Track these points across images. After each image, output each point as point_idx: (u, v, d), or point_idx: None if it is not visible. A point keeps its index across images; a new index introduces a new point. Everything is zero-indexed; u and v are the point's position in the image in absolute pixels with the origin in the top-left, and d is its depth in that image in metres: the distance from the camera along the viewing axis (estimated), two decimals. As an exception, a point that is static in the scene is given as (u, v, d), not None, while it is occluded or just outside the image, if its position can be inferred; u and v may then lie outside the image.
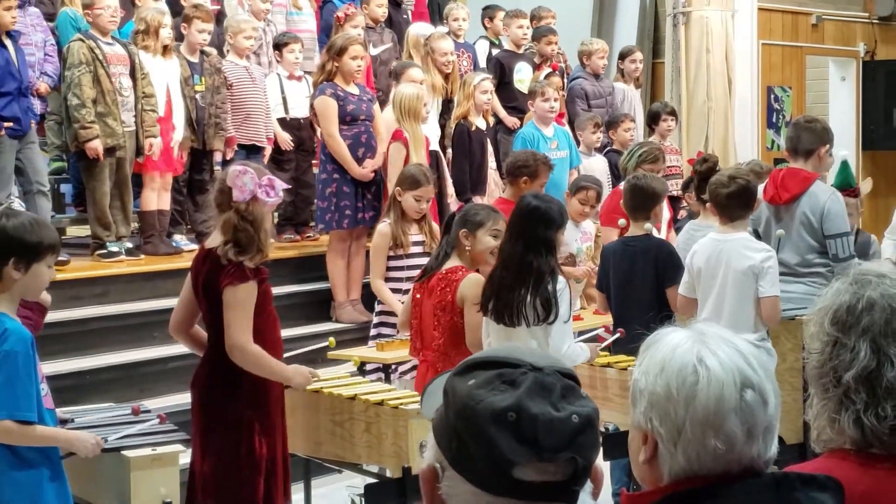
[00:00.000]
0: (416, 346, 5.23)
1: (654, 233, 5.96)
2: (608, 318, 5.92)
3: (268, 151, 8.50)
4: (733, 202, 5.25)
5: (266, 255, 4.34)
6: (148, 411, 4.52)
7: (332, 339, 4.98)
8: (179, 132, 7.92)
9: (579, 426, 1.42)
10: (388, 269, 6.26)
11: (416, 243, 6.38)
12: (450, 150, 8.53)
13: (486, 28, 10.43)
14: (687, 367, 1.64)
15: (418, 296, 5.14)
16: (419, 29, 9.22)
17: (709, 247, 5.31)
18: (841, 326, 1.97)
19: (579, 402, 1.44)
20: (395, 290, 6.36)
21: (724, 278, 5.22)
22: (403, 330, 5.54)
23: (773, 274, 5.16)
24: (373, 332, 6.33)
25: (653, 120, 9.16)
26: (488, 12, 10.42)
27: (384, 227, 6.29)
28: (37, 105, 7.98)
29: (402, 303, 5.54)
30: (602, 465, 1.46)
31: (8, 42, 7.22)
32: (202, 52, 8.21)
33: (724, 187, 5.25)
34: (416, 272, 6.19)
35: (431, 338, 5.06)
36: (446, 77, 8.82)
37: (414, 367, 5.87)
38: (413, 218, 6.32)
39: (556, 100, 8.57)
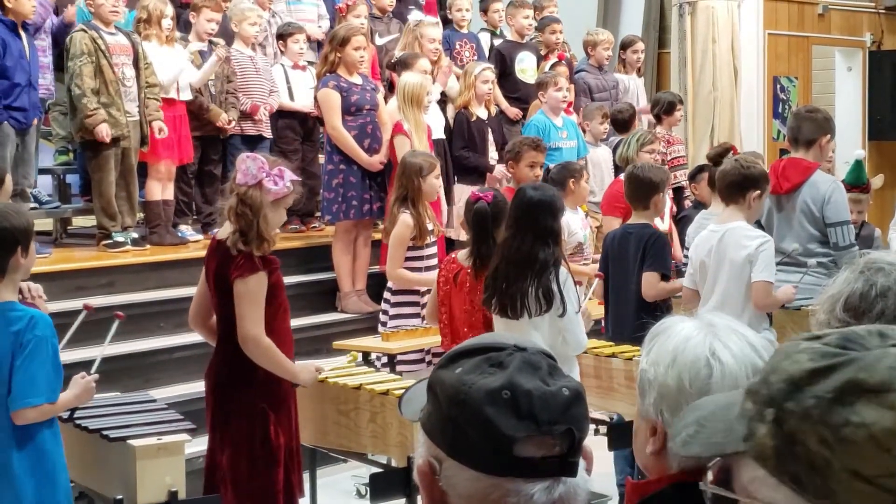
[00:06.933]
0: (446, 340, 5.25)
1: (659, 223, 5.97)
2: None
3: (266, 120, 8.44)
4: (732, 187, 5.25)
5: (271, 244, 4.34)
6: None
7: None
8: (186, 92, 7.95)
9: (571, 398, 1.42)
10: (408, 258, 6.24)
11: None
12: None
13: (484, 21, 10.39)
14: (700, 360, 1.63)
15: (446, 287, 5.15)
16: (414, 17, 9.21)
17: (709, 239, 5.29)
18: (854, 313, 1.98)
19: (565, 378, 1.46)
20: None
21: (722, 269, 5.21)
22: (431, 322, 5.54)
23: (763, 258, 5.11)
24: (391, 323, 6.27)
25: (667, 110, 9.01)
26: (483, 4, 10.35)
27: (408, 217, 6.20)
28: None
29: (433, 279, 5.54)
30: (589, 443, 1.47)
31: (23, 34, 7.22)
32: (210, 42, 8.20)
33: (724, 170, 5.30)
34: (433, 261, 6.20)
35: (462, 333, 5.05)
36: (433, 64, 8.76)
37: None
38: (433, 200, 6.29)
39: (567, 89, 8.62)
